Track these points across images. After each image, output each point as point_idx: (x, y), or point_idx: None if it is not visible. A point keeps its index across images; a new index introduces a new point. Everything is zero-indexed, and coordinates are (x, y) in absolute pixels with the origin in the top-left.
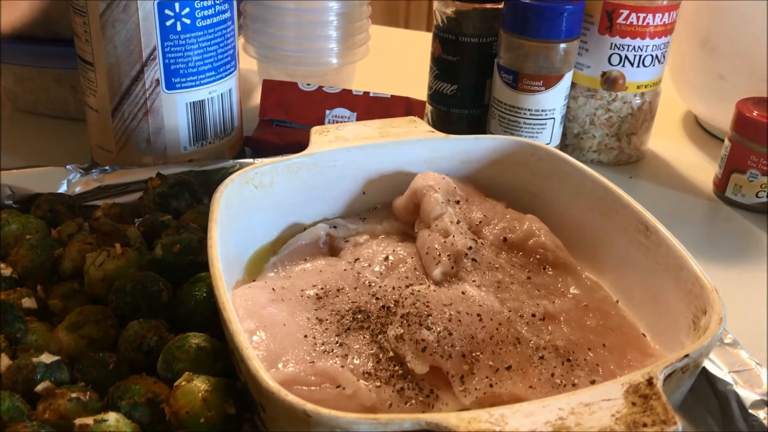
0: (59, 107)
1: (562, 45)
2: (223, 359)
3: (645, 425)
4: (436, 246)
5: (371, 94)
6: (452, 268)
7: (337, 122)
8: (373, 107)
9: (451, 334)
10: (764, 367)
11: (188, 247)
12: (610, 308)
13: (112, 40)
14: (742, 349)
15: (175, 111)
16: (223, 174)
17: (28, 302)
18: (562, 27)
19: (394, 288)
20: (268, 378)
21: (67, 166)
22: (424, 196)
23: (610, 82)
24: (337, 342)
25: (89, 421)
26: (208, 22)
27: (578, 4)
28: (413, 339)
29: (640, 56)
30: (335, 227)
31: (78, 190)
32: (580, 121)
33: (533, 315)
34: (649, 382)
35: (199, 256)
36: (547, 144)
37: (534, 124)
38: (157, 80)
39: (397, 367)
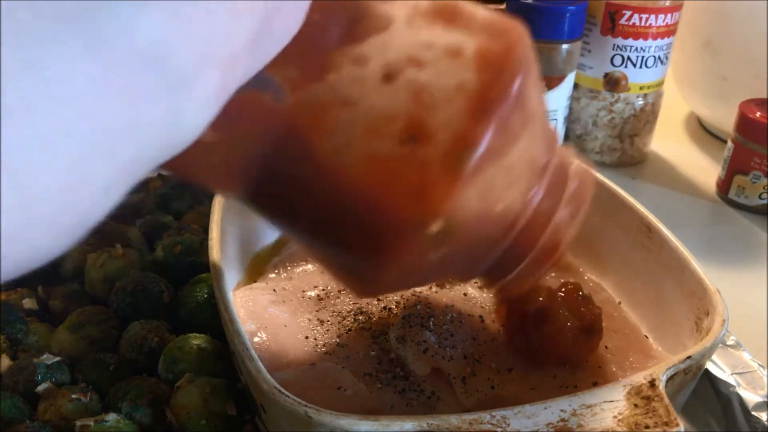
0: None
1: (565, 46)
2: (224, 360)
3: (647, 427)
4: None
5: None
6: None
7: None
8: None
9: (452, 335)
10: (766, 369)
11: (189, 248)
12: (612, 310)
13: None
14: (744, 350)
15: None
16: None
17: (29, 303)
18: (565, 28)
19: None
20: (269, 379)
21: None
22: None
23: (612, 83)
24: (338, 343)
25: (90, 422)
26: None
27: (581, 4)
28: (414, 340)
29: (643, 57)
30: None
31: None
32: (582, 122)
33: None
34: (652, 383)
35: (200, 257)
36: None
37: None
38: None
39: (398, 369)
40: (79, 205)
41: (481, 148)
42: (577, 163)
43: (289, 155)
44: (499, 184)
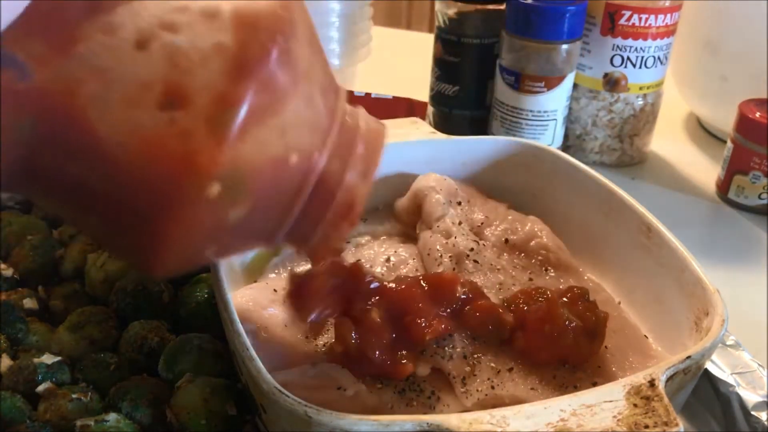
0: None
1: (564, 46)
2: (225, 360)
3: (647, 426)
4: (438, 247)
5: (373, 96)
6: (454, 269)
7: None
8: (374, 108)
9: (452, 335)
10: (766, 369)
11: None
12: (612, 310)
13: None
14: (744, 350)
15: None
16: None
17: (29, 303)
18: (564, 28)
19: None
20: (269, 379)
21: None
22: (425, 198)
23: (612, 83)
24: None
25: (90, 421)
26: None
27: (580, 5)
28: None
29: (643, 57)
30: None
31: None
32: (582, 122)
33: None
34: (651, 383)
35: None
36: (549, 145)
37: (536, 126)
38: None
39: None
40: None
41: (243, 109)
42: (365, 125)
43: (51, 136)
44: (276, 143)
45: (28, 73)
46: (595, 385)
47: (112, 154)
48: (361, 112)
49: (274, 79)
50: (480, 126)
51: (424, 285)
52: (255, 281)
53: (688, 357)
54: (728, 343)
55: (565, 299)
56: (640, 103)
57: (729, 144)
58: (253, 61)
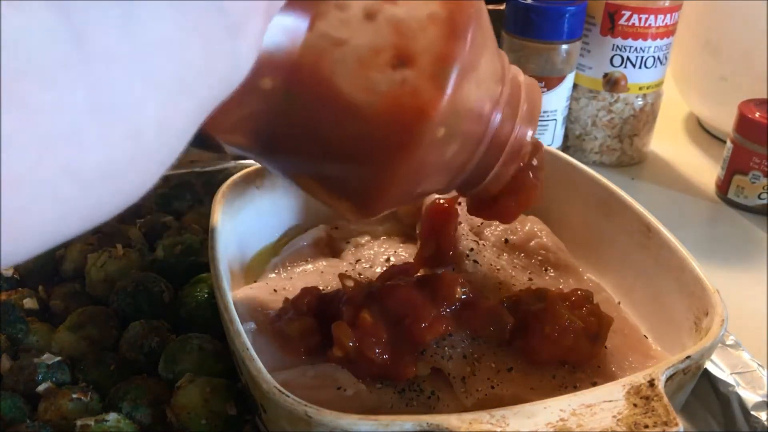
0: None
1: (564, 46)
2: (225, 360)
3: (646, 426)
4: None
5: None
6: (453, 269)
7: None
8: None
9: (452, 335)
10: (766, 369)
11: (189, 248)
12: (611, 310)
13: None
14: (743, 350)
15: None
16: (225, 175)
17: (29, 303)
18: (564, 28)
19: None
20: (269, 379)
21: None
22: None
23: (612, 83)
24: None
25: (90, 421)
26: None
27: (580, 5)
28: None
29: (642, 57)
30: (336, 228)
31: None
32: (581, 122)
33: None
34: (651, 383)
35: (200, 257)
36: (549, 145)
37: None
38: None
39: None
40: (168, 142)
41: (458, 65)
42: (524, 79)
43: (301, 98)
44: (476, 92)
45: (283, 48)
46: (594, 385)
47: (358, 110)
48: (515, 68)
49: (475, 40)
50: None
51: (424, 285)
52: (255, 281)
53: (688, 357)
54: (728, 343)
55: (568, 303)
56: (640, 103)
57: (729, 144)
58: (462, 26)
